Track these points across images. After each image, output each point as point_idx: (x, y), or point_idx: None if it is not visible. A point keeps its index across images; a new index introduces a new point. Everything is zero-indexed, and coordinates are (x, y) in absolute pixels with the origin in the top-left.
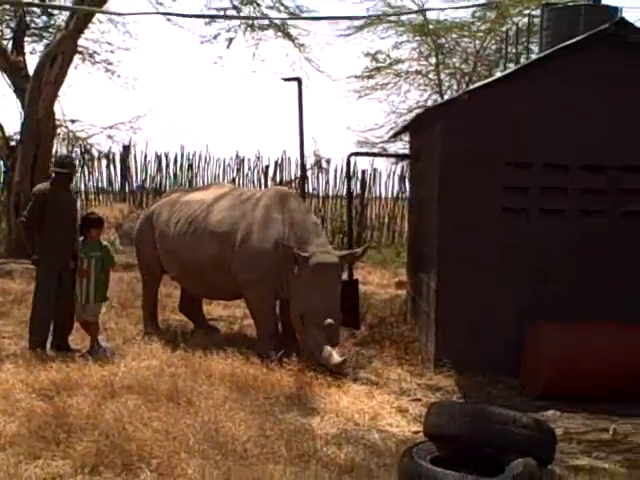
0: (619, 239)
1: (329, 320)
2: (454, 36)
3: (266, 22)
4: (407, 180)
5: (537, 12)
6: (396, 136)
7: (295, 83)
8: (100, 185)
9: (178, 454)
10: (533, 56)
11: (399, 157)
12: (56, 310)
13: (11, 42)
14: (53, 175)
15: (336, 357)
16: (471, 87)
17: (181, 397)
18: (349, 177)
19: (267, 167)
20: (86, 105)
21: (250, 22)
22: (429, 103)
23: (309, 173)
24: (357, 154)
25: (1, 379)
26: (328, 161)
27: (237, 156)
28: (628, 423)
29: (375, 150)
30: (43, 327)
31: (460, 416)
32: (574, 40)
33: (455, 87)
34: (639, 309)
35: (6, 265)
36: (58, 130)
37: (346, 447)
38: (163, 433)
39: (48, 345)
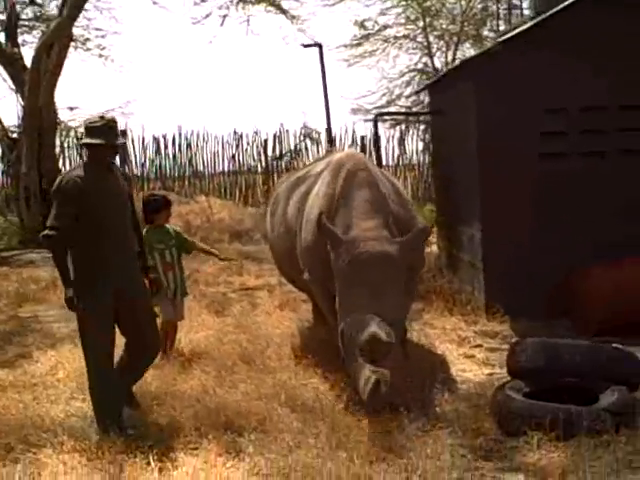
0: None
1: (368, 332)
2: None
3: None
4: (429, 137)
5: None
6: (417, 93)
7: (315, 49)
8: None
9: (276, 410)
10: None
11: (424, 115)
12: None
13: (3, 35)
14: (86, 152)
15: (370, 384)
16: (502, 38)
17: (254, 360)
18: (377, 139)
19: (266, 141)
20: (79, 93)
21: None
22: (419, 66)
23: (301, 145)
24: (383, 114)
25: (68, 359)
26: (318, 133)
27: (235, 132)
28: None
29: (371, 116)
30: (110, 406)
31: (550, 350)
32: None
33: (444, 49)
34: None
35: (24, 255)
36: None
37: (436, 395)
38: (254, 393)
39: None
